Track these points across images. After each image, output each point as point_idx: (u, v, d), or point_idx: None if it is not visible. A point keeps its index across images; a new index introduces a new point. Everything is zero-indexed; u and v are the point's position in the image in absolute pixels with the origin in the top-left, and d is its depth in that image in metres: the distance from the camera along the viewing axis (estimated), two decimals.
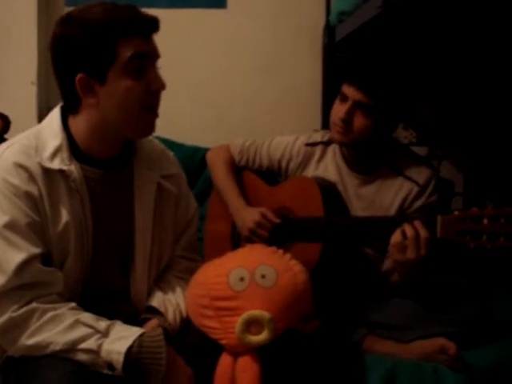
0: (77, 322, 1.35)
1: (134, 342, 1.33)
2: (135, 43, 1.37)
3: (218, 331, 1.44)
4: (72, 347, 1.32)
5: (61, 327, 1.33)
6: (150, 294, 1.56)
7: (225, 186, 2.15)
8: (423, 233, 1.64)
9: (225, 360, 1.43)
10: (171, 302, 1.54)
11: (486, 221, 1.59)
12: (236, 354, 1.43)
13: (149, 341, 1.36)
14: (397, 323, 1.81)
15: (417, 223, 1.66)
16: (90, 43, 1.36)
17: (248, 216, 2.02)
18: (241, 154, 2.20)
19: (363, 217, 1.88)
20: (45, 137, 1.44)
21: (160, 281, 1.61)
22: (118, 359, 1.31)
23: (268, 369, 1.41)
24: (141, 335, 1.36)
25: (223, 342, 1.44)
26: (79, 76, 1.37)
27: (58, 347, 1.32)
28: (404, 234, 1.66)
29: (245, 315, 1.40)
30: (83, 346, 1.32)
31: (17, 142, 1.44)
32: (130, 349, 1.32)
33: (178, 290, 1.59)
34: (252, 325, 1.40)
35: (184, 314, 1.54)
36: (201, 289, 1.50)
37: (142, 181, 1.55)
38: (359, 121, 1.87)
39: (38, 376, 1.29)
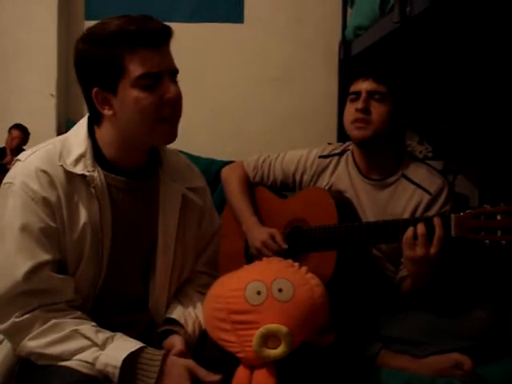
0: (75, 333, 1.36)
1: (128, 355, 1.33)
2: (144, 55, 1.37)
3: (235, 344, 1.44)
4: (69, 357, 1.34)
5: (58, 335, 1.35)
6: (168, 307, 1.57)
7: (239, 205, 2.17)
8: (438, 231, 1.67)
9: (241, 373, 1.43)
10: (191, 315, 1.54)
11: (499, 217, 1.61)
12: (252, 367, 1.43)
13: (146, 358, 1.36)
14: (411, 338, 1.81)
15: (436, 220, 1.69)
16: (99, 58, 1.37)
17: (258, 235, 2.04)
18: (255, 171, 2.22)
19: (378, 221, 1.88)
20: (71, 144, 1.46)
21: (179, 294, 1.62)
22: (114, 373, 1.32)
23: (284, 382, 1.41)
24: (139, 349, 1.36)
25: (240, 355, 1.44)
26: (94, 90, 1.40)
27: (54, 355, 1.33)
28: (415, 231, 1.69)
29: (262, 329, 1.40)
30: (79, 357, 1.33)
31: (43, 147, 1.45)
32: (124, 362, 1.32)
33: (198, 304, 1.59)
34: (269, 338, 1.40)
35: (203, 327, 1.54)
36: (218, 302, 1.50)
37: (167, 192, 1.55)
38: (376, 109, 1.93)
39: None
